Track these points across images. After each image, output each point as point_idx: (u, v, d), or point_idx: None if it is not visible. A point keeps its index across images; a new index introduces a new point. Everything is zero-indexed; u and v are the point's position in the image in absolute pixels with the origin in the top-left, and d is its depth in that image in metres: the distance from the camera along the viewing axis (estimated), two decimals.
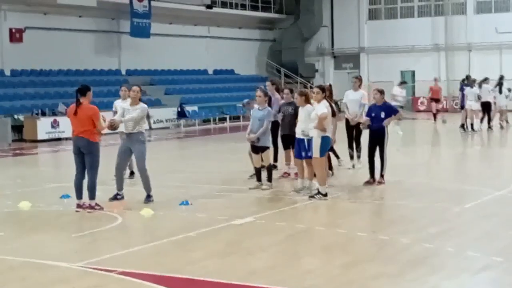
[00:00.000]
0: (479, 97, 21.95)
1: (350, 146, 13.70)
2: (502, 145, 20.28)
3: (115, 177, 10.96)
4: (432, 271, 6.71)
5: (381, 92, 12.01)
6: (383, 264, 7.00)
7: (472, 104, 21.86)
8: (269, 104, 12.01)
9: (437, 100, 26.78)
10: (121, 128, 11.90)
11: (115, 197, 10.77)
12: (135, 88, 10.75)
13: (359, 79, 13.93)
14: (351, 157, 13.70)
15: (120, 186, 10.82)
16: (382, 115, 11.70)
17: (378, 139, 11.81)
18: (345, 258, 7.26)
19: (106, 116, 10.63)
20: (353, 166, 13.61)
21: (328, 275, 6.66)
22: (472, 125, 22.06)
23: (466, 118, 22.11)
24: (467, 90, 22.20)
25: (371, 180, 11.84)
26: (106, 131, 10.59)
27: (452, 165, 15.96)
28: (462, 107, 22.52)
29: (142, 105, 10.68)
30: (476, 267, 6.88)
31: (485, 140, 20.95)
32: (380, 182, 11.79)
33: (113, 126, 10.44)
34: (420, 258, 7.21)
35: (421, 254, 7.36)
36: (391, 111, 11.92)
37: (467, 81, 23.11)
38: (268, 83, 13.36)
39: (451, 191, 11.64)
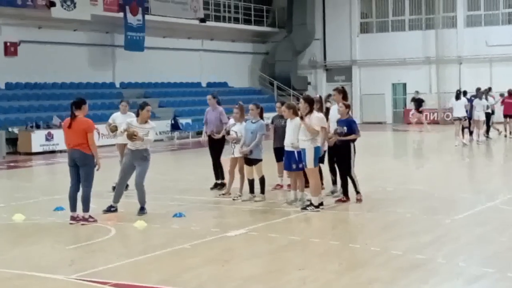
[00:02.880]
0: (487, 107, 22.73)
1: (332, 171, 11.87)
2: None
3: (115, 190, 11.04)
4: (425, 278, 6.85)
5: (347, 106, 11.26)
6: (376, 271, 7.14)
7: (480, 115, 22.42)
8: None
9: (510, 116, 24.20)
10: (120, 140, 12.08)
11: (109, 209, 10.85)
12: (149, 108, 10.89)
13: (339, 91, 11.42)
14: (333, 182, 12.01)
15: (117, 200, 10.91)
16: (345, 129, 11.09)
17: (342, 154, 11.23)
18: (339, 265, 7.39)
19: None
20: (332, 193, 11.90)
21: (322, 281, 6.79)
22: (471, 133, 22.57)
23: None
24: (476, 101, 22.63)
25: (344, 198, 11.32)
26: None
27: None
28: (470, 118, 22.79)
29: (153, 124, 10.94)
30: (469, 275, 6.99)
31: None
32: (358, 200, 11.25)
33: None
34: (413, 265, 7.33)
35: (414, 262, 7.46)
36: (353, 126, 11.16)
37: (478, 93, 23.44)
38: (209, 96, 13.74)
39: (445, 200, 11.69)
